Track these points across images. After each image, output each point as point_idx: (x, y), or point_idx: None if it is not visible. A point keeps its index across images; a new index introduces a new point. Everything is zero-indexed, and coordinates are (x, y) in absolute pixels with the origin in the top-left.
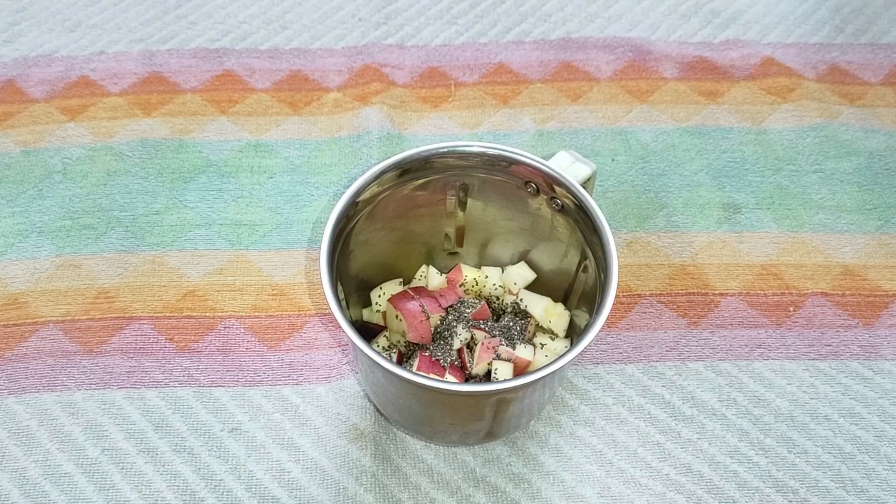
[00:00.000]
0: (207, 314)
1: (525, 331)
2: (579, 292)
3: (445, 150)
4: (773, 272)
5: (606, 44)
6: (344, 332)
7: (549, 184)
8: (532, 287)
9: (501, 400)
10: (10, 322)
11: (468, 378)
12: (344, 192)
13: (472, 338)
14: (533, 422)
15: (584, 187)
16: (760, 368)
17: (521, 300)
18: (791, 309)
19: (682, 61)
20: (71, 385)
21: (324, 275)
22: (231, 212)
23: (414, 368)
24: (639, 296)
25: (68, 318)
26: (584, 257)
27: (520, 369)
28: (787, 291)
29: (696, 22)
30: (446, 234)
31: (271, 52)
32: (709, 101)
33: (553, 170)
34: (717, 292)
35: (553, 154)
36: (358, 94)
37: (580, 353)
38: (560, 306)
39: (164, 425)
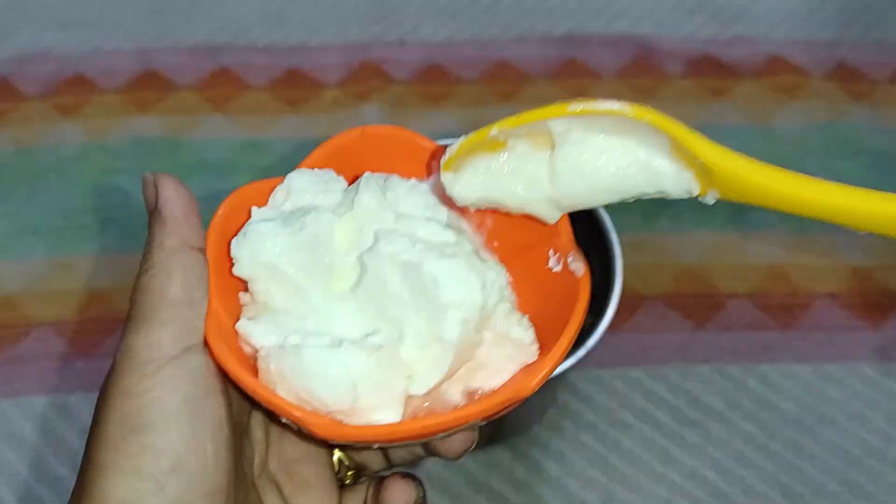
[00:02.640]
0: None
1: None
2: None
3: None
4: (780, 273)
5: (611, 40)
6: None
7: None
8: None
9: None
10: (4, 324)
11: None
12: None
13: None
14: (535, 426)
15: None
16: (767, 371)
17: None
18: (798, 311)
19: (687, 58)
20: (65, 388)
21: None
22: None
23: None
24: (643, 297)
25: (62, 319)
26: (587, 258)
27: None
28: (794, 293)
29: (702, 18)
30: None
31: (269, 49)
32: (715, 99)
33: None
34: (724, 294)
35: None
36: (357, 92)
37: (584, 357)
38: None
39: None
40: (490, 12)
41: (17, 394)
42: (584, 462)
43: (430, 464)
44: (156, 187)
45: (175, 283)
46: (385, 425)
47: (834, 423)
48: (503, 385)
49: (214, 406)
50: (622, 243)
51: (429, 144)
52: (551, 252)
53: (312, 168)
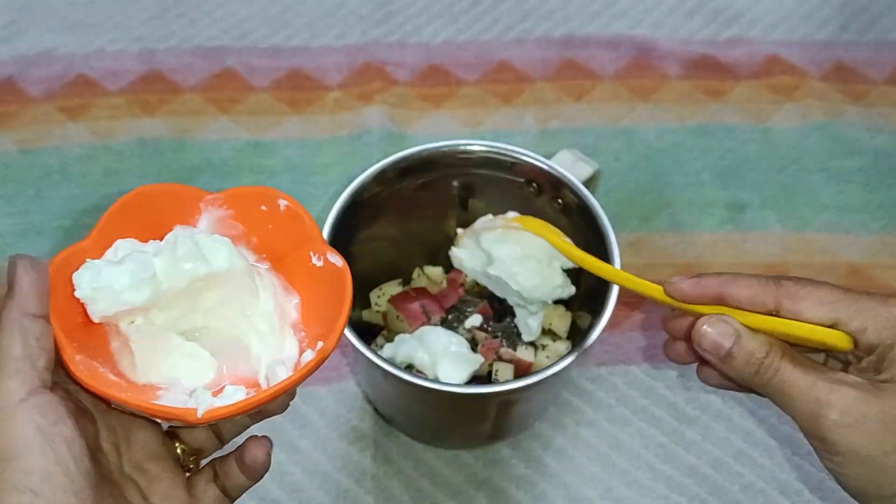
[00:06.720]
0: None
1: None
2: (581, 293)
3: (447, 149)
4: (778, 271)
5: (609, 42)
6: (344, 333)
7: (551, 183)
8: None
9: (504, 401)
10: None
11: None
12: (343, 192)
13: (472, 338)
14: (536, 423)
15: (587, 186)
16: None
17: None
18: None
19: (685, 59)
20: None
21: None
22: None
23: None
24: (642, 296)
25: None
26: None
27: (521, 370)
28: None
29: (700, 20)
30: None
31: (271, 51)
32: (713, 100)
33: (555, 169)
34: None
35: (555, 153)
36: (359, 93)
37: (583, 354)
38: (562, 307)
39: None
40: (490, 14)
41: None
42: (584, 458)
43: (432, 460)
44: (15, 266)
45: (16, 344)
46: (241, 400)
47: None
48: (313, 357)
49: (64, 428)
50: (621, 243)
51: (197, 193)
52: (311, 253)
53: (103, 230)
